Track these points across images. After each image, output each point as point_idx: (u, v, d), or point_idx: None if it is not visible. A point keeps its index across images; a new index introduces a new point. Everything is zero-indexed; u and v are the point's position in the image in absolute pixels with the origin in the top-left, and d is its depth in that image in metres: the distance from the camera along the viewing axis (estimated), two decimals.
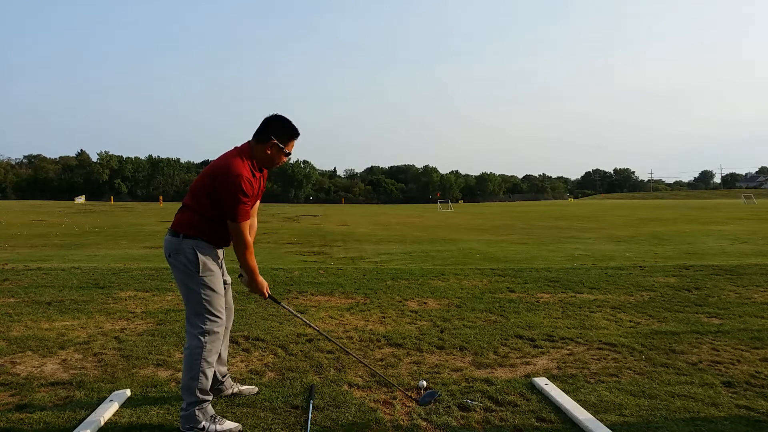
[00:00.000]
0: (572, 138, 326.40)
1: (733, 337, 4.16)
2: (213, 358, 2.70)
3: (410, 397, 2.97)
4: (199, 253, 2.68)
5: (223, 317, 2.78)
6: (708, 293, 5.93)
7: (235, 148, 2.80)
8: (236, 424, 2.65)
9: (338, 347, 3.45)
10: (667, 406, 2.87)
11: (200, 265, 2.67)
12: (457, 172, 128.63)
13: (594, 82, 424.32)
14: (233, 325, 3.34)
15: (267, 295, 2.91)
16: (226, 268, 3.01)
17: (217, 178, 2.64)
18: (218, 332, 2.72)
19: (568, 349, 3.90)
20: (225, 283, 2.93)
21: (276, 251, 11.65)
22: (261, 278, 2.86)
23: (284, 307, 3.09)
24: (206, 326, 2.68)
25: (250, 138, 2.82)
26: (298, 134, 2.85)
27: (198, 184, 2.75)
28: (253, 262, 2.80)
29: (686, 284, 6.49)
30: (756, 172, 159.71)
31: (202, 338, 2.66)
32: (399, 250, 11.98)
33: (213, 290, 2.71)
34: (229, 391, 3.03)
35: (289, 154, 2.83)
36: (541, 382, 3.17)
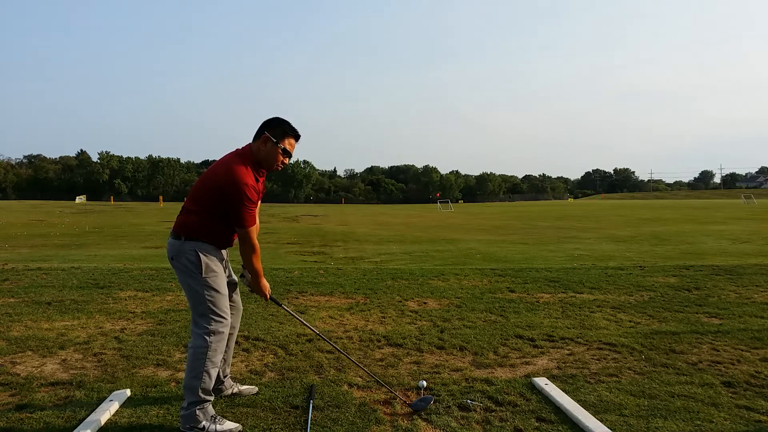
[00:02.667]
0: (572, 138, 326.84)
1: (733, 337, 4.15)
2: (218, 359, 2.71)
3: (405, 402, 2.94)
4: (201, 255, 2.68)
5: (228, 318, 2.79)
6: (708, 293, 5.93)
7: (236, 151, 2.80)
8: (236, 425, 2.65)
9: (337, 349, 3.44)
10: (667, 406, 2.87)
11: (203, 267, 2.68)
12: (457, 172, 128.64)
13: (594, 82, 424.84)
14: None
15: (269, 297, 2.93)
16: (232, 268, 3.01)
17: (222, 185, 2.66)
18: (223, 332, 2.73)
19: (568, 349, 3.90)
20: (231, 283, 2.95)
21: (276, 251, 11.65)
22: (265, 281, 2.90)
23: (285, 309, 3.10)
24: (211, 326, 2.69)
25: (251, 140, 2.83)
26: (296, 134, 2.84)
27: (200, 186, 2.76)
28: (259, 265, 2.83)
29: (686, 284, 6.49)
30: (756, 172, 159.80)
31: (207, 338, 2.66)
32: (399, 250, 11.98)
33: (217, 291, 2.72)
34: (229, 391, 3.03)
35: (288, 153, 2.82)
36: (541, 382, 3.17)
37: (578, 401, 2.90)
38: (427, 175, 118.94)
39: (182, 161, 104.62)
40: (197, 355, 2.64)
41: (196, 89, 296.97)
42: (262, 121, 2.82)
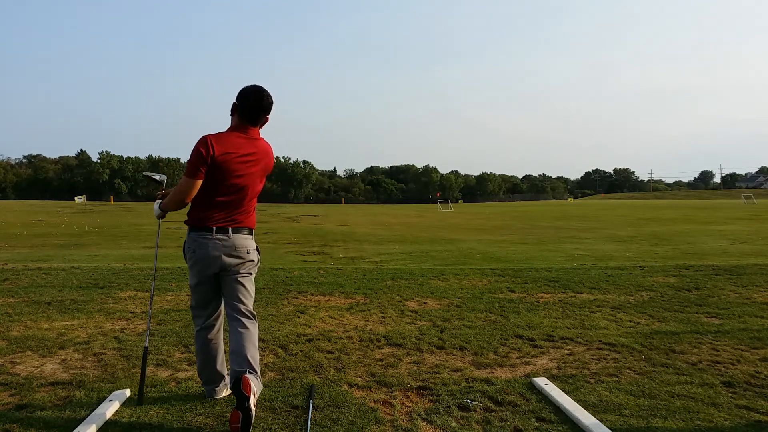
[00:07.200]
0: (572, 138, 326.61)
1: (733, 337, 4.15)
2: None
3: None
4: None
5: None
6: (708, 293, 5.93)
7: (258, 134, 2.98)
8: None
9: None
10: (667, 406, 2.87)
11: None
12: (457, 172, 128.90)
13: (594, 81, 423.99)
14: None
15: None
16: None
17: (271, 162, 2.99)
18: None
19: (568, 349, 3.90)
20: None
21: (276, 251, 11.65)
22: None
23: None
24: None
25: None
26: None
27: (259, 181, 2.95)
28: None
29: (686, 284, 6.49)
30: (756, 172, 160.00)
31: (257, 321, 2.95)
32: (399, 250, 11.98)
33: None
34: (226, 392, 3.02)
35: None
36: (541, 382, 3.17)
37: (578, 401, 2.90)
38: (427, 175, 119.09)
39: (182, 161, 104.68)
40: (256, 337, 2.88)
41: (196, 89, 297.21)
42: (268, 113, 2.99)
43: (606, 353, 3.79)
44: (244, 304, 2.89)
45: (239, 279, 2.89)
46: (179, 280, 6.67)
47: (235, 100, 2.89)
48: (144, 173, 3.25)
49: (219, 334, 3.01)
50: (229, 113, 2.93)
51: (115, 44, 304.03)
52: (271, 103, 2.92)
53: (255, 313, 2.94)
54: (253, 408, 2.52)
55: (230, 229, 2.84)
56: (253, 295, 2.98)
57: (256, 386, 2.63)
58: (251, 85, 2.90)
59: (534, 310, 5.11)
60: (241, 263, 2.87)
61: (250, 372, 2.67)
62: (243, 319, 2.85)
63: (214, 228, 2.81)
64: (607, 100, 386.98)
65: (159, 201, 3.00)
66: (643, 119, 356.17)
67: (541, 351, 3.86)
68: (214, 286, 2.91)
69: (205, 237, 2.81)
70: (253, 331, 2.85)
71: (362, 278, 7.05)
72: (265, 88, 2.92)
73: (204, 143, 2.74)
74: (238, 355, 2.74)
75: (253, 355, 2.77)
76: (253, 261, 2.94)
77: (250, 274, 2.95)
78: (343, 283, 6.69)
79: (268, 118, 2.96)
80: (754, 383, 3.19)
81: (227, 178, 2.78)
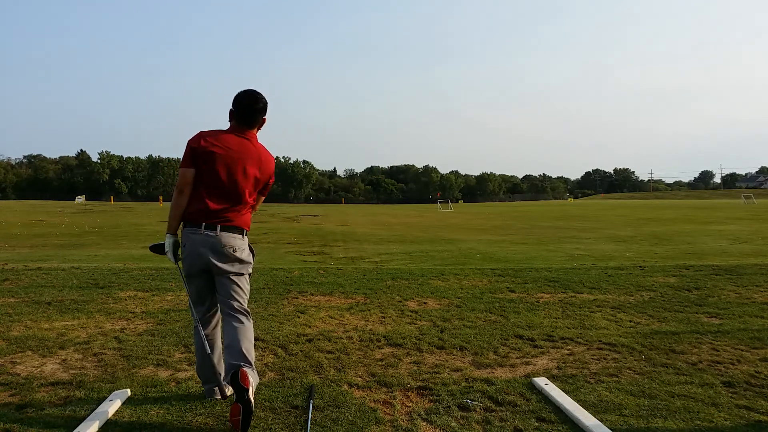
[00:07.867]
0: (572, 138, 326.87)
1: (733, 337, 4.15)
2: None
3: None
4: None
5: None
6: (708, 293, 5.93)
7: (255, 137, 3.02)
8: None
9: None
10: (667, 406, 2.87)
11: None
12: (457, 172, 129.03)
13: (594, 82, 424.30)
14: None
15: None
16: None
17: (269, 168, 3.00)
18: None
19: (568, 349, 3.90)
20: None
21: (276, 251, 11.65)
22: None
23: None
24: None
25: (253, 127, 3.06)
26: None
27: (253, 181, 2.95)
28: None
29: (686, 284, 6.49)
30: (756, 172, 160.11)
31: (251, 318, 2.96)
32: (399, 250, 11.98)
33: None
34: (229, 391, 3.02)
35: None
36: (541, 382, 3.17)
37: (578, 401, 2.90)
38: (427, 175, 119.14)
39: None
40: (251, 333, 2.91)
41: (196, 89, 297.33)
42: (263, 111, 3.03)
43: (606, 353, 3.79)
44: (237, 301, 2.91)
45: (231, 278, 2.91)
46: (179, 280, 6.67)
47: (231, 106, 2.96)
48: (149, 247, 3.12)
49: (216, 331, 3.03)
50: (228, 119, 2.99)
51: (115, 44, 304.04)
52: (265, 105, 2.98)
53: (249, 310, 2.96)
54: (252, 399, 2.55)
55: (219, 226, 2.86)
56: (248, 294, 3.00)
57: (253, 378, 2.66)
58: (245, 89, 2.99)
59: (534, 310, 5.11)
60: (228, 262, 2.88)
61: (245, 365, 2.70)
62: (237, 315, 2.88)
63: (204, 224, 2.85)
64: (607, 100, 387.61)
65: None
66: (643, 119, 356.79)
67: (541, 351, 3.86)
68: (206, 282, 2.94)
69: (194, 232, 2.85)
70: (247, 326, 2.88)
71: (362, 278, 7.05)
72: (260, 91, 2.99)
73: (195, 137, 2.86)
74: (232, 349, 2.77)
75: (248, 348, 2.80)
76: (241, 260, 2.94)
77: (242, 273, 2.96)
78: (343, 283, 6.69)
79: (265, 120, 3.02)
80: (754, 383, 3.19)
81: (217, 171, 2.83)
